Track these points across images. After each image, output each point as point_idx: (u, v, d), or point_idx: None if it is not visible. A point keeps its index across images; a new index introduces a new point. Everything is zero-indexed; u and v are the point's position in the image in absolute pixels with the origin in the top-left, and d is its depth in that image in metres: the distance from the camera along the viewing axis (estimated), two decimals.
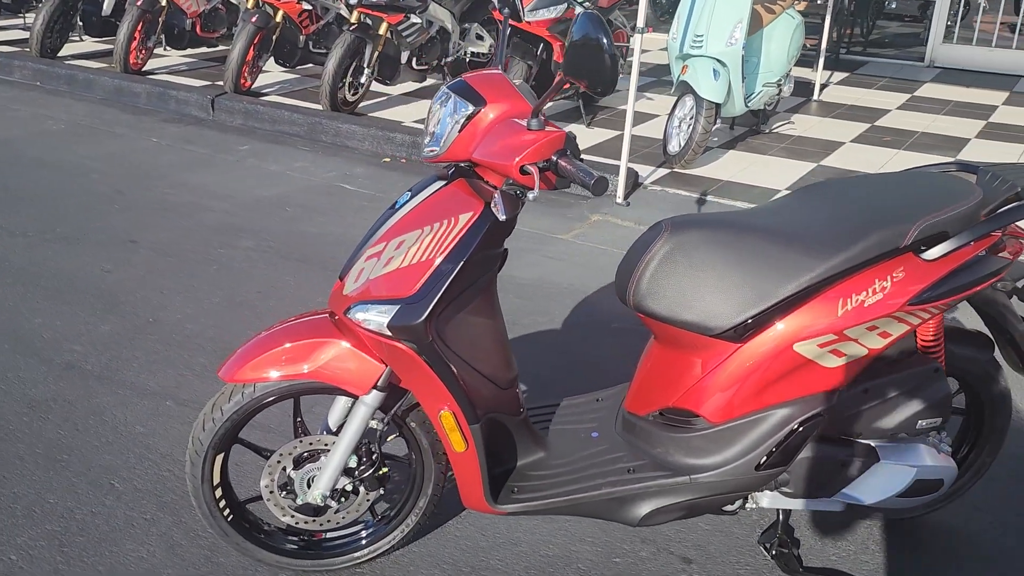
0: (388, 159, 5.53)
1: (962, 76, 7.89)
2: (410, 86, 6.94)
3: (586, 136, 5.78)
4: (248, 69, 6.40)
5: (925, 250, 1.89)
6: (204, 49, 7.78)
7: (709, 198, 4.71)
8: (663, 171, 5.15)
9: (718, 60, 4.96)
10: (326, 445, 1.99)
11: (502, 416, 1.96)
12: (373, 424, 1.94)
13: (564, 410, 2.25)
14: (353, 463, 1.98)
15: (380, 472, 2.01)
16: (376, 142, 5.65)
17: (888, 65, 8.35)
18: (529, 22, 5.21)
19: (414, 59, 6.43)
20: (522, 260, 3.92)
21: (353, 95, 6.12)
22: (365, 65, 6.01)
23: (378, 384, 1.87)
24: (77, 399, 2.86)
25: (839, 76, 7.77)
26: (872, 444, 2.03)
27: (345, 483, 1.99)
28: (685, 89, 5.04)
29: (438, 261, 1.74)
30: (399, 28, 6.05)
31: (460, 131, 1.76)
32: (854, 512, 2.31)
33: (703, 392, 1.95)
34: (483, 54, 7.00)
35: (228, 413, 1.92)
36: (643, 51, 8.29)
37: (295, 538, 2.13)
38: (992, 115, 6.59)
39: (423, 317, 1.73)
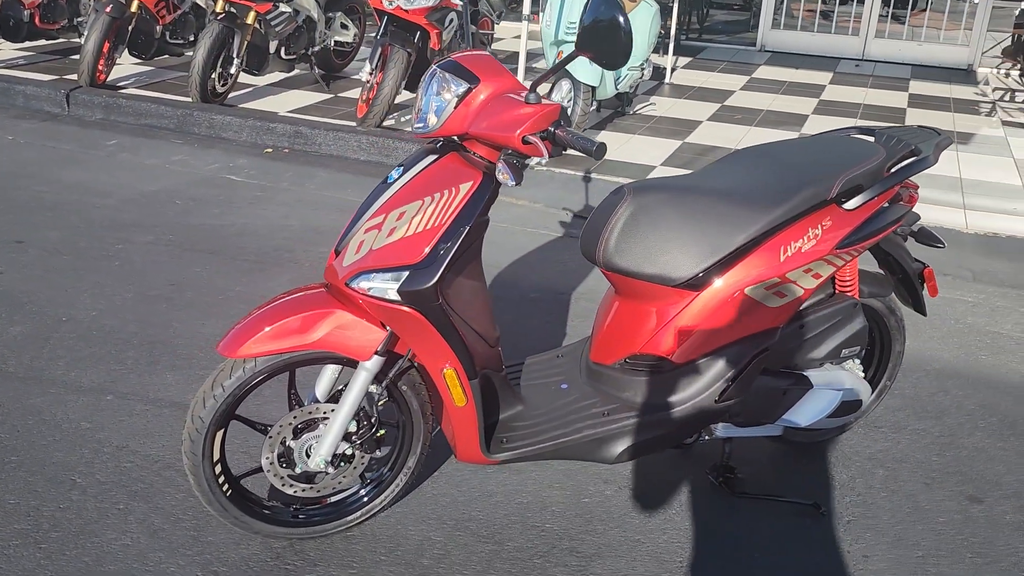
0: (270, 149, 5.48)
1: (791, 59, 8.63)
2: (277, 76, 6.86)
3: None
4: (104, 61, 6.13)
5: (845, 201, 2.20)
6: (43, 42, 7.34)
7: (593, 175, 5.00)
8: None
9: None
10: (325, 413, 2.07)
11: (490, 372, 2.11)
12: (372, 388, 2.05)
13: (529, 368, 2.43)
14: (353, 428, 2.08)
15: (379, 434, 2.12)
16: (255, 133, 5.58)
17: (725, 50, 8.99)
18: (407, 10, 5.31)
19: (282, 49, 6.37)
20: None
21: (223, 86, 6.00)
22: (234, 55, 5.90)
23: (378, 349, 1.98)
24: (7, 401, 2.76)
25: (684, 61, 8.31)
26: (805, 373, 2.33)
27: (344, 448, 2.09)
28: (562, 74, 5.30)
29: (444, 228, 1.88)
30: (267, 17, 5.98)
31: (455, 108, 1.89)
32: (782, 441, 2.62)
33: (666, 337, 2.18)
34: (347, 43, 7.01)
35: (229, 389, 1.97)
36: (497, 39, 8.55)
37: (291, 507, 2.20)
38: (822, 94, 7.27)
39: (433, 281, 1.86)
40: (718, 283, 2.13)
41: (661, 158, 5.38)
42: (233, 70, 5.95)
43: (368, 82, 5.54)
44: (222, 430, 2.03)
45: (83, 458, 2.52)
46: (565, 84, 5.34)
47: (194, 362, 3.03)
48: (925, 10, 8.83)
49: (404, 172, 1.96)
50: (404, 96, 6.35)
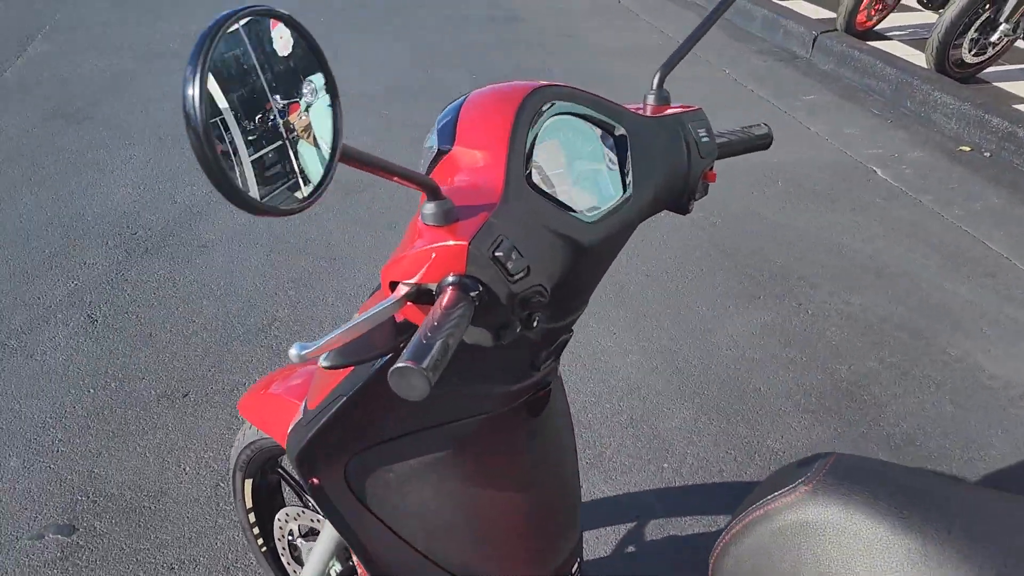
0: (967, 148, 4.16)
1: None
2: None
3: None
4: (870, 3, 5.39)
5: None
6: None
7: None
8: None
9: None
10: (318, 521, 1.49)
11: None
12: None
13: None
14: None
15: None
16: (964, 122, 4.28)
17: None
18: None
19: None
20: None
21: (975, 57, 4.72)
22: (1002, 20, 4.54)
23: None
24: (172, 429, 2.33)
25: None
26: None
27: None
28: None
29: (339, 378, 1.06)
30: None
31: (428, 174, 0.99)
32: None
33: None
34: None
35: (245, 441, 1.55)
36: None
37: None
38: None
39: (298, 450, 1.09)
40: None
41: None
42: (995, 39, 4.61)
43: None
44: (251, 479, 1.63)
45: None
46: None
47: None
48: None
49: None
50: None
